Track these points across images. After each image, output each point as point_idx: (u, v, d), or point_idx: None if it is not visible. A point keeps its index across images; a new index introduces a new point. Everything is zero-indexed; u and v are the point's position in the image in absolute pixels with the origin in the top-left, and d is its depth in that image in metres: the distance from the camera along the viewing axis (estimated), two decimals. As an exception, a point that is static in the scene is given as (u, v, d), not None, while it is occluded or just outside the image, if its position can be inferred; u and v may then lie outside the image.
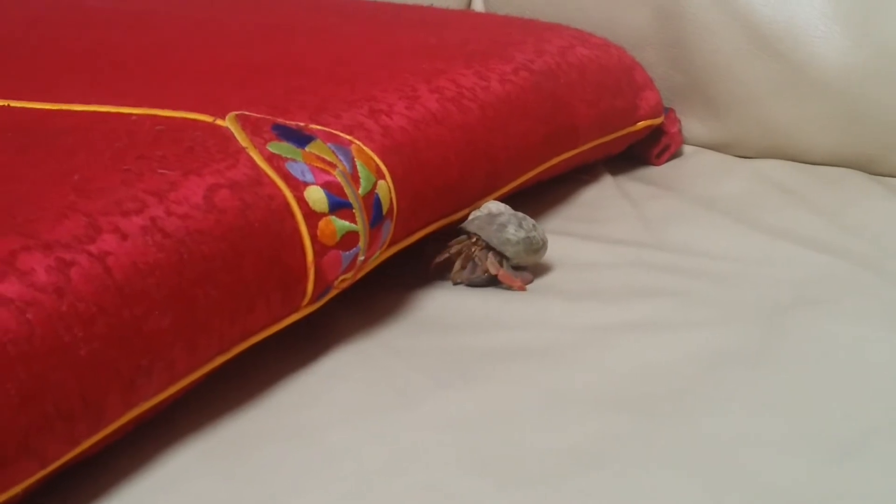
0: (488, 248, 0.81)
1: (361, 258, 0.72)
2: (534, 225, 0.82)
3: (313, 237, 0.69)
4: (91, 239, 0.58)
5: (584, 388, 0.68)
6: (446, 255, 0.81)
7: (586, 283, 0.83)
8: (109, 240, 0.59)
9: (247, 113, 0.74)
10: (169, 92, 0.81)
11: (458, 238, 0.82)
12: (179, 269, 0.61)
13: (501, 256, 0.81)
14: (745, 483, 0.58)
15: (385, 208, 0.73)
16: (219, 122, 0.72)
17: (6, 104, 0.78)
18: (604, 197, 1.01)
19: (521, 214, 0.83)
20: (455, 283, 0.81)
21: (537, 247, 0.82)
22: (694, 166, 1.08)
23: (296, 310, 0.70)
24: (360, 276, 0.74)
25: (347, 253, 0.71)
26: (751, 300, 0.80)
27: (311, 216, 0.69)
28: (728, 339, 0.74)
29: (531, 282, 0.82)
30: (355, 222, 0.71)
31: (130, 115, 0.74)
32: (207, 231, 0.63)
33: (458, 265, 0.81)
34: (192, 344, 0.62)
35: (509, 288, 0.81)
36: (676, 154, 1.11)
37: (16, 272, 0.55)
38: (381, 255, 0.76)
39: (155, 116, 0.74)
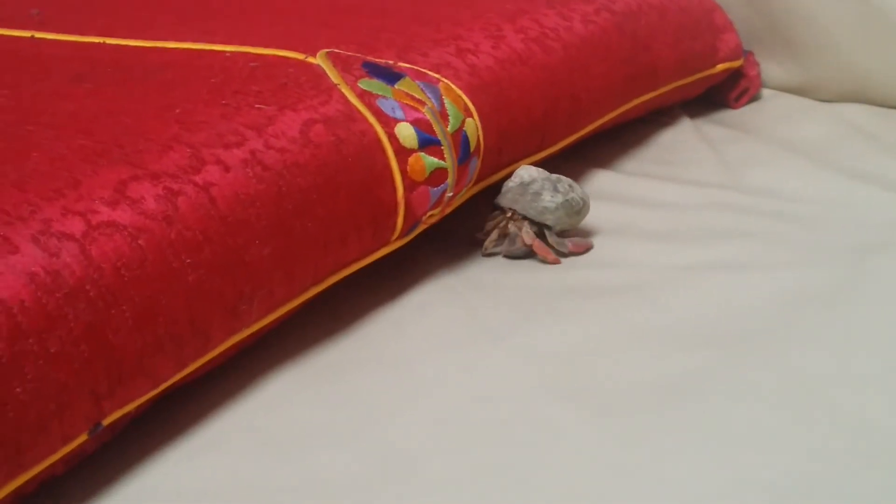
0: (525, 219, 0.77)
1: (449, 194, 0.73)
2: (570, 185, 0.78)
3: (403, 172, 0.70)
4: (196, 170, 0.60)
5: (669, 325, 0.69)
6: (482, 234, 0.78)
7: (668, 223, 0.83)
8: (213, 171, 0.61)
9: (337, 50, 0.75)
10: (257, 30, 0.82)
11: (493, 215, 0.78)
12: (278, 201, 0.63)
13: (541, 226, 0.77)
14: (835, 416, 0.59)
15: (472, 146, 0.74)
16: (310, 59, 0.73)
17: (102, 41, 0.80)
18: (682, 140, 1.01)
19: (555, 177, 0.78)
20: (485, 255, 0.78)
21: (577, 208, 0.77)
22: (773, 110, 1.07)
23: (386, 243, 0.71)
24: (447, 212, 0.75)
25: (436, 189, 0.72)
26: (834, 242, 0.80)
27: (402, 152, 0.70)
28: (813, 279, 0.74)
29: (591, 248, 0.78)
30: (444, 159, 0.72)
31: (223, 52, 0.76)
32: (304, 164, 0.65)
33: (492, 237, 0.77)
34: (290, 274, 0.64)
35: (544, 260, 0.77)
36: (755, 97, 1.10)
37: (127, 200, 0.57)
38: (467, 192, 0.77)
39: (247, 54, 0.75)
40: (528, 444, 0.59)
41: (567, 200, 0.77)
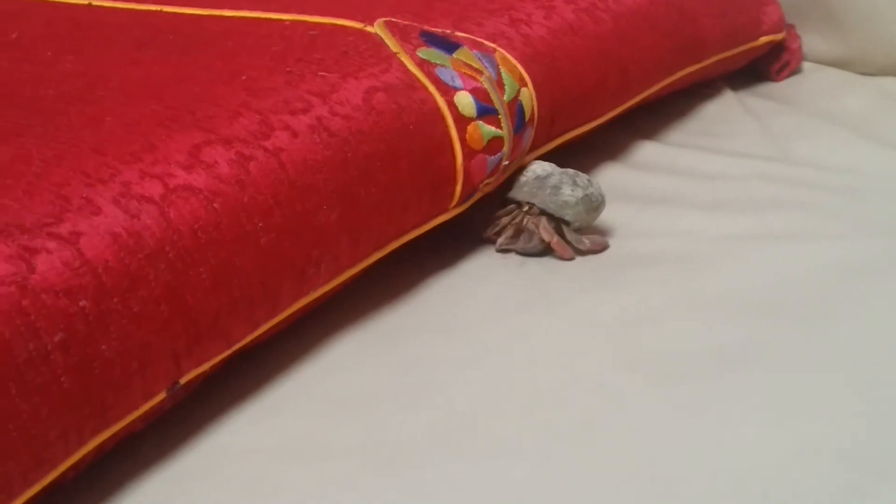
0: (542, 214, 0.74)
1: (505, 163, 0.74)
2: (588, 180, 0.75)
3: (462, 141, 0.71)
4: (265, 135, 0.61)
5: (723, 294, 0.70)
6: (497, 228, 0.75)
7: (716, 194, 0.84)
8: (282, 137, 0.62)
9: (394, 20, 0.75)
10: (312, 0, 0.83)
11: (507, 209, 0.75)
12: (344, 167, 0.64)
13: (559, 222, 0.74)
14: (890, 381, 0.60)
15: (527, 115, 0.75)
16: (368, 28, 0.74)
17: (159, 9, 0.80)
18: (726, 112, 1.01)
19: (571, 171, 0.75)
20: (499, 251, 0.75)
21: (597, 203, 0.74)
22: (815, 82, 1.08)
23: (444, 211, 0.72)
24: (501, 180, 0.76)
25: (492, 158, 0.73)
26: (881, 213, 0.80)
27: (461, 121, 0.71)
28: (861, 250, 0.74)
29: (607, 247, 0.75)
30: (500, 128, 0.73)
31: (282, 20, 0.76)
32: (367, 131, 0.66)
33: (508, 234, 0.74)
34: (355, 239, 0.65)
35: (561, 258, 0.74)
36: (796, 71, 1.10)
37: (202, 164, 0.58)
38: (520, 161, 0.78)
39: (305, 22, 0.76)
40: (589, 410, 0.60)
41: (587, 195, 0.74)
